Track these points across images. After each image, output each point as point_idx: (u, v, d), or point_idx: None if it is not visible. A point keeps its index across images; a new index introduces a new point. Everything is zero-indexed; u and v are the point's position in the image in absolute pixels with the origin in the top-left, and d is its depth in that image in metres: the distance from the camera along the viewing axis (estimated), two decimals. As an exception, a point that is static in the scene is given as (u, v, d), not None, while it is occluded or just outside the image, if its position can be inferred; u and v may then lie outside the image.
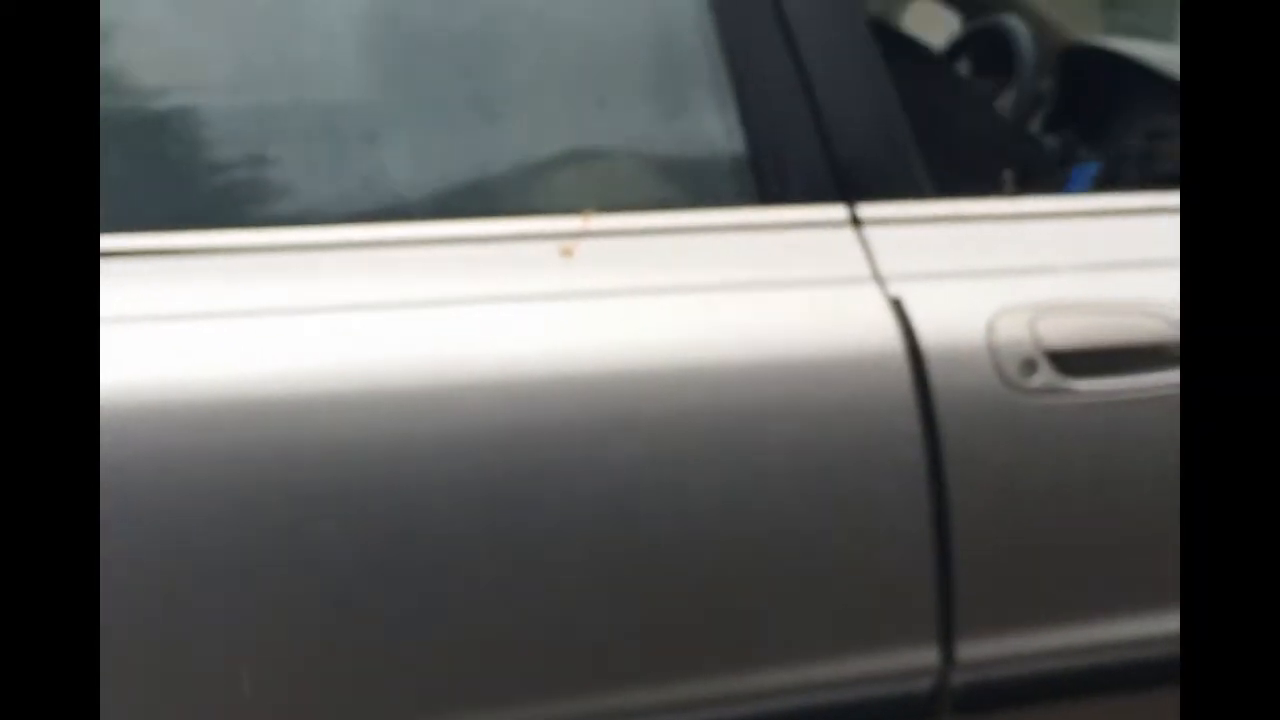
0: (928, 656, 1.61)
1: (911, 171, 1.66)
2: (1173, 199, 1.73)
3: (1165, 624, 1.62)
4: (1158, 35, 3.27)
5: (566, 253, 1.54)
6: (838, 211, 1.62)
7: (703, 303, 1.57)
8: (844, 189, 1.62)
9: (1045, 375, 1.60)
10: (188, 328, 1.42)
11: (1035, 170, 2.16)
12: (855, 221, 1.62)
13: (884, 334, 1.58)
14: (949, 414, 1.58)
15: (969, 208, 1.67)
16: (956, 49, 3.05)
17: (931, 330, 1.59)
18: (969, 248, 1.65)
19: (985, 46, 3.01)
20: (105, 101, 1.43)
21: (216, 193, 1.55)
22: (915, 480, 1.58)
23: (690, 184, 1.66)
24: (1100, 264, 1.66)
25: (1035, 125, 2.81)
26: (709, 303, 1.57)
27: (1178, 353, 1.63)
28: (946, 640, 1.61)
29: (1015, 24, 2.87)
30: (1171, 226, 1.70)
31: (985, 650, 1.63)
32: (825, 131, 1.62)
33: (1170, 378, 1.62)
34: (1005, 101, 2.84)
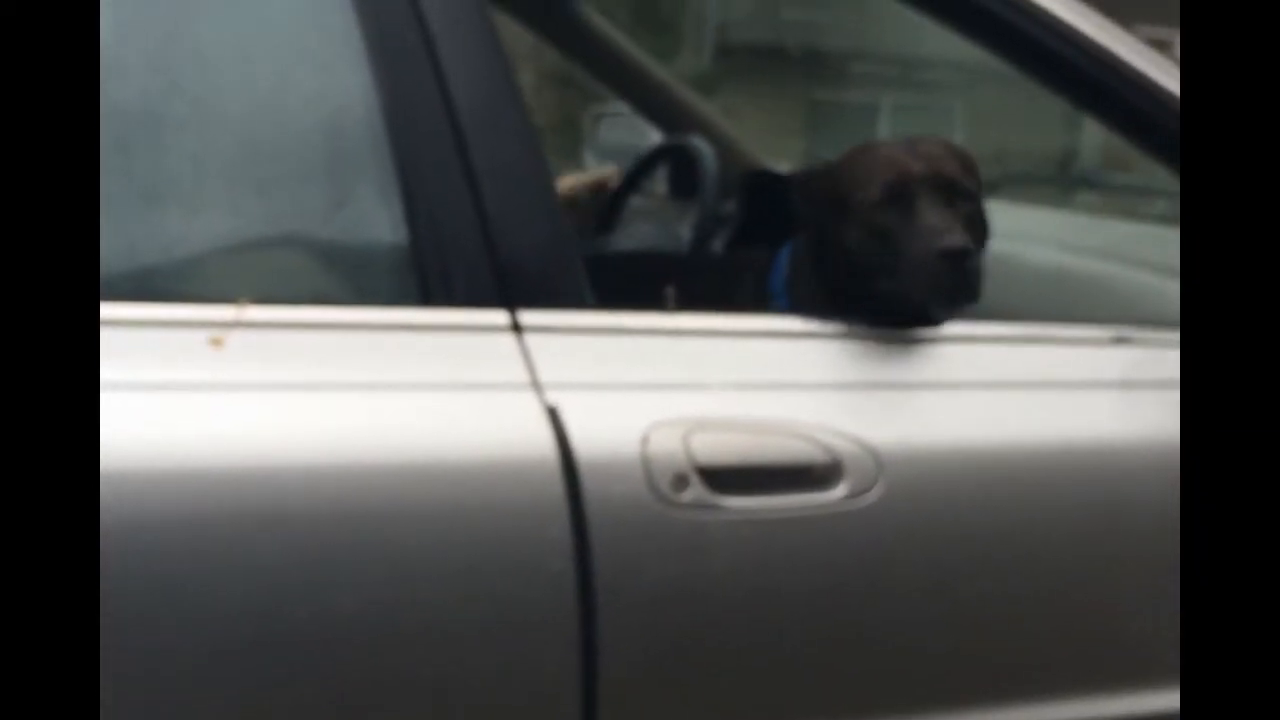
0: (570, 770, 1.59)
1: (575, 281, 1.66)
2: (825, 326, 1.78)
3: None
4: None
5: (216, 343, 1.50)
6: (499, 316, 1.61)
7: (355, 401, 1.54)
8: (506, 294, 1.62)
9: (696, 490, 1.62)
10: None
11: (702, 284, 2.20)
12: (516, 327, 1.62)
13: (537, 442, 1.57)
14: (600, 525, 1.58)
15: (630, 320, 1.68)
16: (647, 163, 3.11)
17: (585, 440, 1.58)
18: (628, 360, 1.66)
19: (675, 164, 3.08)
20: None
21: None
22: (563, 590, 1.57)
23: (351, 279, 1.64)
24: (754, 383, 1.69)
25: (718, 243, 2.87)
26: (361, 402, 1.54)
27: (823, 474, 1.67)
28: (589, 753, 1.60)
29: (701, 145, 2.94)
30: (825, 350, 1.76)
31: (629, 765, 1.62)
32: (491, 235, 1.62)
33: (815, 498, 1.66)
34: (689, 219, 2.90)
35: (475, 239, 1.61)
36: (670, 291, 2.03)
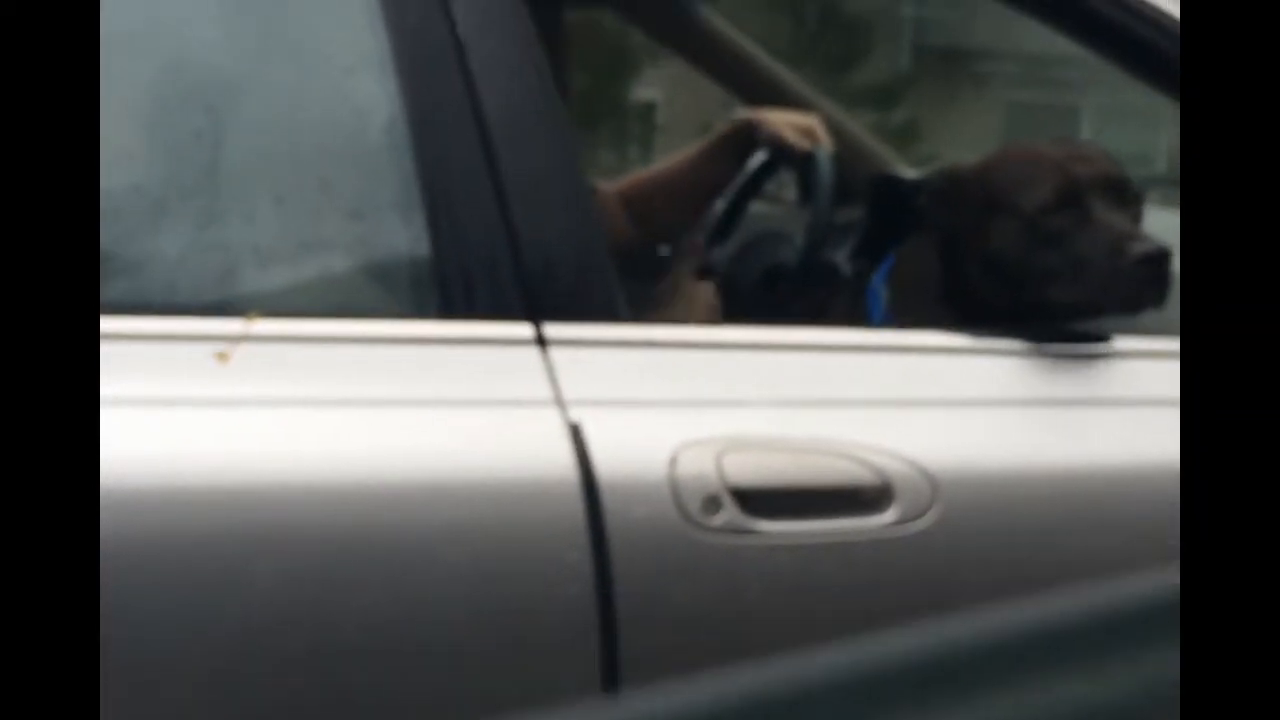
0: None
1: (606, 292, 1.59)
2: (881, 337, 1.69)
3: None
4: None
5: (222, 358, 1.46)
6: (523, 329, 1.55)
7: (370, 417, 1.49)
8: (531, 307, 1.56)
9: (729, 514, 1.53)
10: None
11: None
12: (541, 341, 1.55)
13: (557, 461, 1.50)
14: (622, 550, 1.50)
15: (663, 334, 1.61)
16: (763, 170, 3.02)
17: (609, 460, 1.51)
18: (660, 375, 1.58)
19: (801, 170, 2.98)
20: None
21: None
22: (582, 616, 1.50)
23: (369, 291, 1.59)
24: (796, 400, 1.60)
25: (838, 252, 2.77)
26: (377, 418, 1.49)
27: (872, 496, 1.57)
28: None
29: (819, 151, 2.84)
30: (875, 364, 1.66)
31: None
32: (517, 246, 1.56)
33: (860, 523, 1.56)
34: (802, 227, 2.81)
35: (500, 249, 1.56)
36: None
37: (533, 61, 1.61)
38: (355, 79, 1.59)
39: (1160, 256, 1.70)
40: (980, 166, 1.92)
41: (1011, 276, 1.79)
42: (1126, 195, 1.80)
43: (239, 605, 1.42)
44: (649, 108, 11.40)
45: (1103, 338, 1.75)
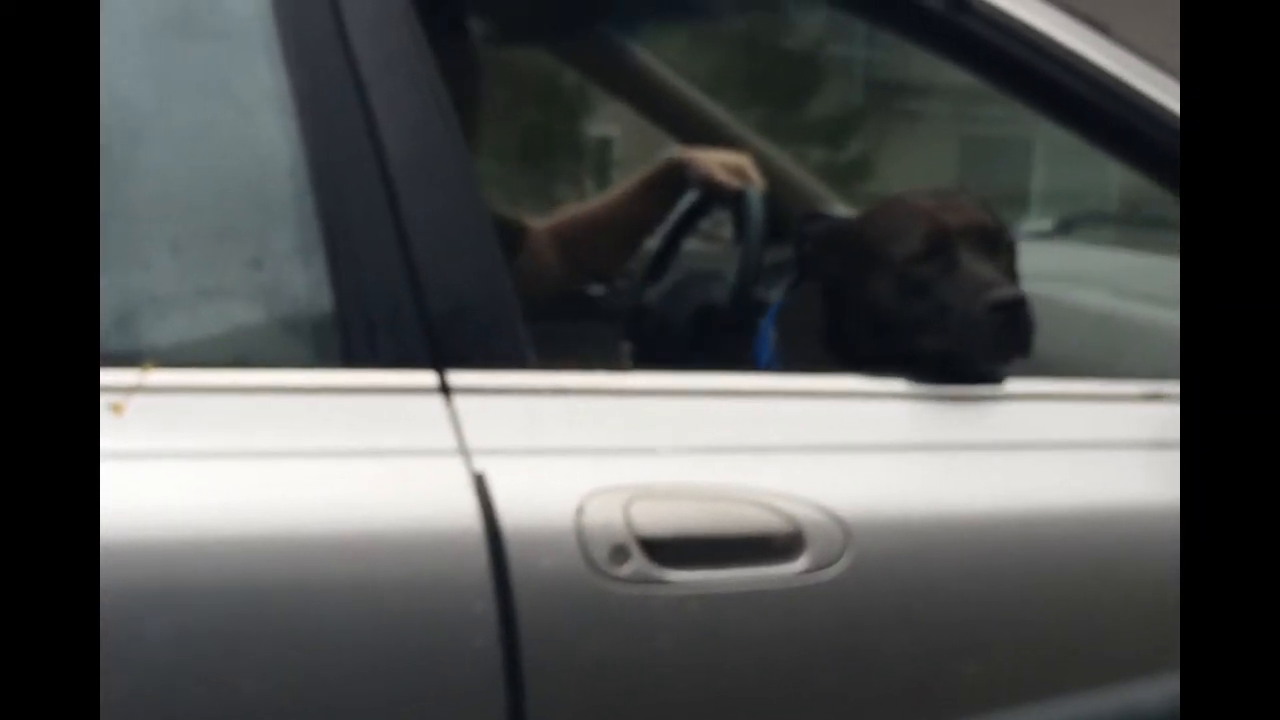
0: None
1: (512, 339, 1.57)
2: (787, 381, 1.67)
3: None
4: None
5: (117, 409, 1.43)
6: (426, 378, 1.53)
7: (270, 469, 1.46)
8: (435, 354, 1.53)
9: (637, 563, 1.51)
10: None
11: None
12: (445, 389, 1.53)
13: (462, 511, 1.47)
14: (529, 600, 1.48)
15: (571, 380, 1.58)
16: (695, 209, 3.00)
17: (514, 509, 1.49)
18: (567, 423, 1.55)
19: (735, 208, 2.96)
20: None
21: None
22: (488, 668, 1.47)
23: (269, 340, 1.56)
24: (707, 447, 1.58)
25: (771, 290, 2.75)
26: (277, 469, 1.46)
27: (783, 544, 1.55)
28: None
29: (750, 190, 2.82)
30: (793, 410, 1.64)
31: None
32: (421, 292, 1.53)
33: (772, 571, 1.54)
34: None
35: (404, 296, 1.53)
36: (626, 347, 1.93)
37: (436, 103, 1.59)
38: (255, 123, 1.56)
39: (1014, 303, 1.72)
40: (857, 216, 1.97)
41: (884, 325, 1.80)
42: (998, 244, 1.83)
43: (131, 663, 1.39)
44: (605, 143, 11.39)
45: (996, 380, 1.74)
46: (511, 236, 2.46)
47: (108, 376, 1.43)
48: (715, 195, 2.94)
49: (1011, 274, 1.84)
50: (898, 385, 1.69)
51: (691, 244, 3.08)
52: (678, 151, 2.67)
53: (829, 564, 1.56)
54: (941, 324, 1.75)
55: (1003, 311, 1.72)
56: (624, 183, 2.74)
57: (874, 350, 1.80)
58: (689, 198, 2.98)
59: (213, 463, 1.45)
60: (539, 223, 2.68)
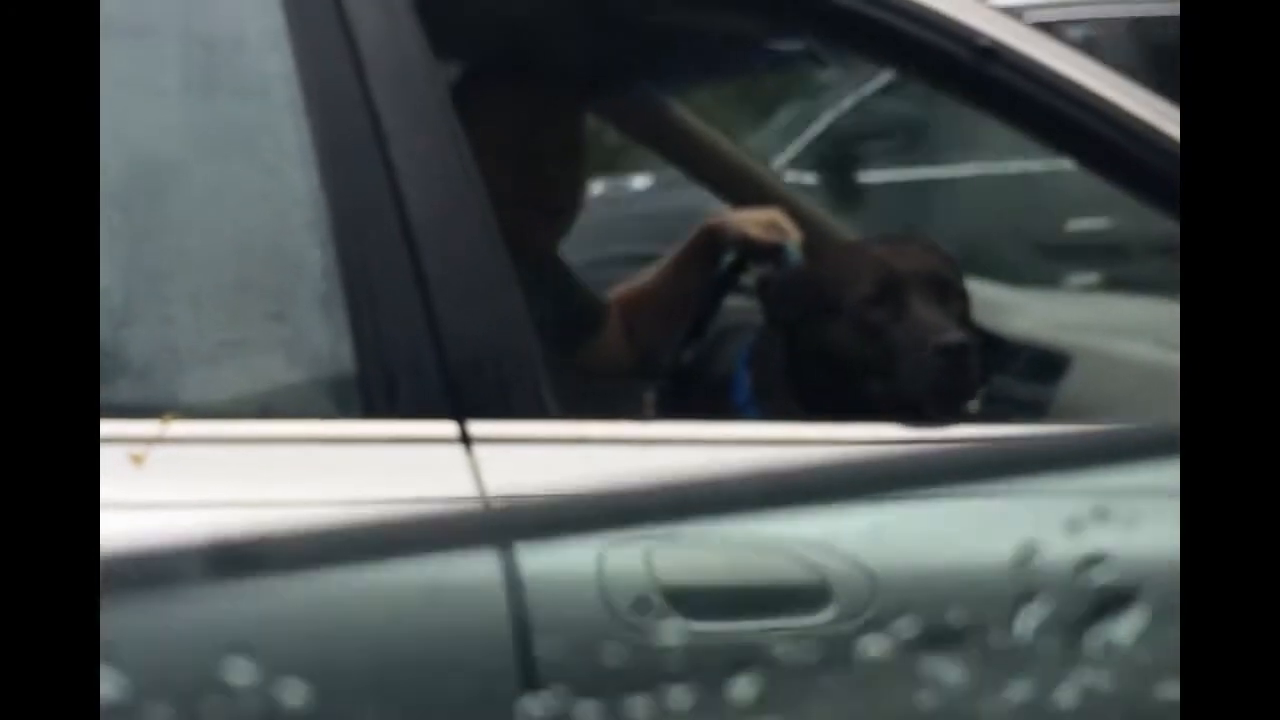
0: None
1: (533, 390, 1.57)
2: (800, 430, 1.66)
3: None
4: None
5: (137, 460, 1.44)
6: (446, 428, 1.53)
7: (287, 519, 1.46)
8: (456, 404, 1.53)
9: (659, 612, 1.50)
10: None
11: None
12: (465, 439, 1.53)
13: (482, 561, 1.47)
14: (550, 651, 1.46)
15: (593, 430, 1.58)
16: (734, 267, 3.01)
17: (535, 559, 1.47)
18: (588, 471, 1.55)
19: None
20: None
21: None
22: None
23: (289, 391, 1.57)
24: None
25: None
26: (294, 519, 1.46)
27: (809, 595, 1.53)
28: None
29: (787, 244, 2.82)
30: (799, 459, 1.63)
31: None
32: (441, 343, 1.54)
33: (797, 622, 1.53)
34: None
35: (424, 347, 1.54)
36: (649, 398, 1.93)
37: (458, 155, 1.60)
38: (278, 176, 1.58)
39: (959, 348, 1.74)
40: (813, 265, 2.05)
41: (838, 370, 1.83)
42: (948, 290, 1.86)
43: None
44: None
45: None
46: (595, 316, 2.46)
47: (129, 427, 1.44)
48: (753, 253, 2.94)
49: (965, 320, 1.87)
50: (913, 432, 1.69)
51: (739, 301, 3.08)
52: (709, 217, 2.68)
53: (856, 615, 1.54)
54: (889, 368, 1.79)
55: (948, 356, 1.73)
56: (666, 256, 2.75)
57: (830, 393, 1.82)
58: (727, 259, 2.98)
59: (231, 514, 1.46)
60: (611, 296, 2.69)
